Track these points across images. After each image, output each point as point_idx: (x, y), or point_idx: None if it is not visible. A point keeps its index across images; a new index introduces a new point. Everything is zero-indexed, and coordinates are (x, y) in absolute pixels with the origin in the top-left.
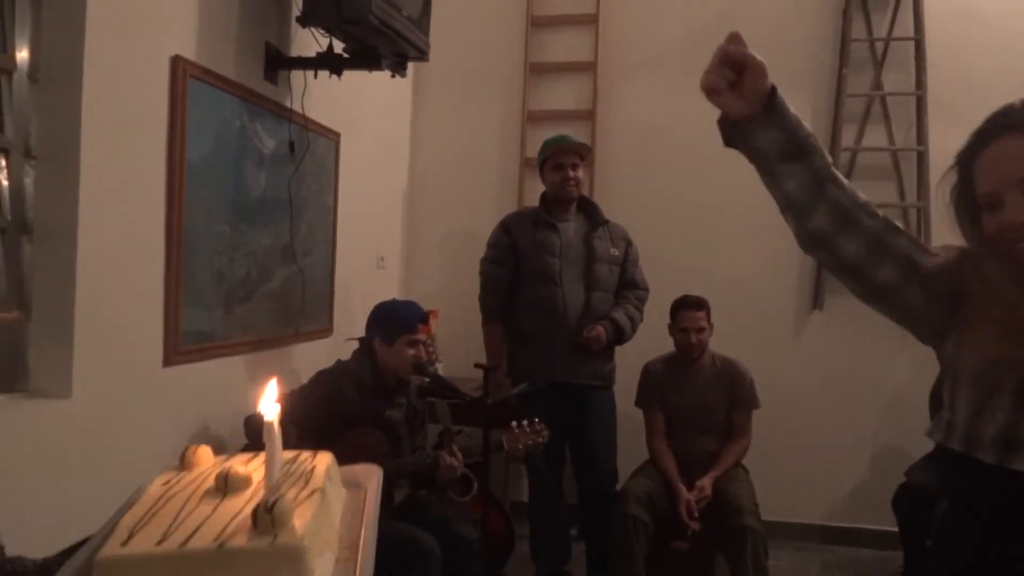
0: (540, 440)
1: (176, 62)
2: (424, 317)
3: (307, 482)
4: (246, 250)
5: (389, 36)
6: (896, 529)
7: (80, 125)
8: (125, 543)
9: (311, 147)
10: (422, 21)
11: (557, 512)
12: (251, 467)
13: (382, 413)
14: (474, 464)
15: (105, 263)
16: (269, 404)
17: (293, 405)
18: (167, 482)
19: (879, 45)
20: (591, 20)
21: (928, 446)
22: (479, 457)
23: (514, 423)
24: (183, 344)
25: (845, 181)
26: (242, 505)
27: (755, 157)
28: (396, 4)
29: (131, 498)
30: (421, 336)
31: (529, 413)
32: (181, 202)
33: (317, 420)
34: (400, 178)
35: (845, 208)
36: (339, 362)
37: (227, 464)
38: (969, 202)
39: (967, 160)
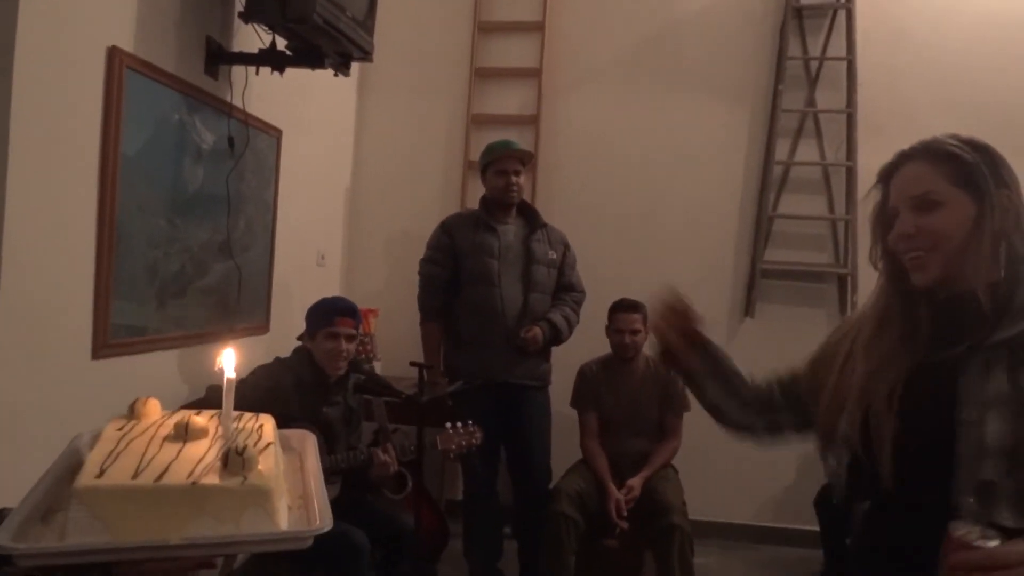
0: (473, 442)
1: (113, 53)
2: (348, 310)
3: (260, 436)
4: (181, 245)
5: (333, 36)
6: (818, 529)
7: (9, 112)
8: (99, 476)
9: (251, 143)
10: (367, 22)
11: (491, 510)
12: (204, 420)
13: (319, 410)
14: (409, 462)
15: (33, 254)
16: (228, 362)
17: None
18: (121, 428)
19: (813, 64)
20: (538, 28)
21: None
22: (414, 455)
23: (448, 424)
24: (113, 336)
25: (745, 376)
26: (204, 450)
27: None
28: (340, 4)
29: (71, 445)
30: (341, 329)
31: (465, 412)
32: (114, 195)
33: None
34: (343, 177)
35: (748, 401)
36: (277, 359)
37: (184, 415)
38: (884, 219)
39: (887, 180)
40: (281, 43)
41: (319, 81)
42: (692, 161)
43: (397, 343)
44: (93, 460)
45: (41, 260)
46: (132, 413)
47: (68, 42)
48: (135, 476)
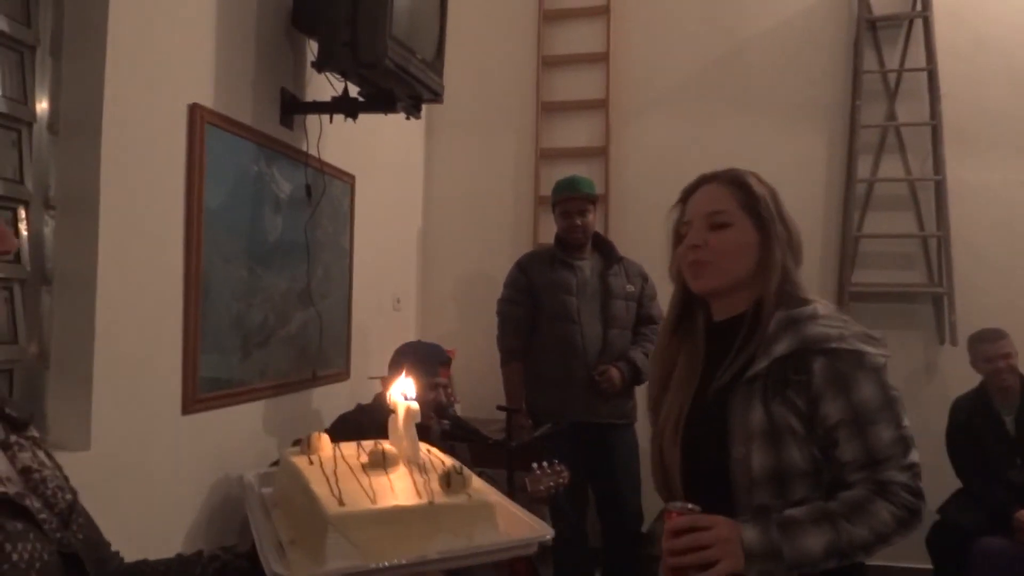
0: (561, 481)
1: (194, 110)
2: (445, 359)
3: (443, 462)
4: (264, 294)
5: (404, 79)
6: (931, 567)
7: (99, 174)
8: (342, 504)
9: (327, 190)
10: (436, 63)
11: (581, 553)
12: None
13: None
14: None
15: (124, 311)
16: (408, 389)
17: None
18: (312, 462)
19: (891, 76)
20: (602, 58)
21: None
22: None
23: (535, 464)
24: (201, 391)
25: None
26: (410, 475)
27: None
28: (410, 47)
29: (245, 483)
30: (442, 380)
31: (551, 453)
32: (200, 248)
33: None
34: (414, 218)
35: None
36: (359, 406)
37: (376, 445)
38: (680, 233)
39: (686, 198)
40: (353, 90)
41: (389, 125)
42: (771, 184)
43: (474, 385)
44: (323, 493)
45: (132, 318)
46: (308, 447)
47: (152, 102)
48: (374, 501)
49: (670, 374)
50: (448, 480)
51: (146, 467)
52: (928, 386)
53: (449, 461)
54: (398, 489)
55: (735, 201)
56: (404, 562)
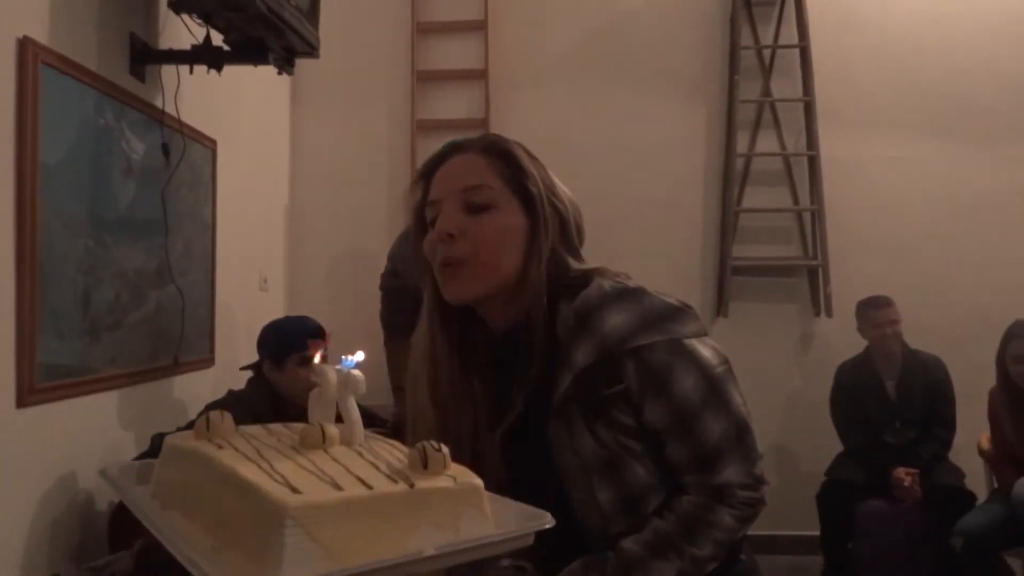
0: None
1: (25, 45)
2: (317, 331)
3: (388, 442)
4: (114, 269)
5: (276, 26)
6: (817, 533)
7: None
8: (296, 492)
9: (186, 154)
10: (311, 13)
11: None
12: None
13: None
14: None
15: None
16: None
17: None
18: (221, 447)
19: (766, 53)
20: (480, 26)
21: (836, 446)
22: None
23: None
24: (40, 380)
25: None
26: (358, 455)
27: None
28: None
29: (111, 477)
30: (313, 352)
31: None
32: (35, 211)
33: None
34: (281, 192)
35: None
36: (231, 392)
37: (304, 425)
38: (423, 220)
39: (430, 174)
40: (216, 38)
41: (252, 87)
42: (650, 158)
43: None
44: (262, 480)
45: None
46: (208, 430)
47: None
48: (335, 487)
49: (447, 413)
50: (425, 458)
51: None
52: (805, 356)
53: (397, 442)
54: (358, 471)
55: (497, 175)
56: (398, 562)
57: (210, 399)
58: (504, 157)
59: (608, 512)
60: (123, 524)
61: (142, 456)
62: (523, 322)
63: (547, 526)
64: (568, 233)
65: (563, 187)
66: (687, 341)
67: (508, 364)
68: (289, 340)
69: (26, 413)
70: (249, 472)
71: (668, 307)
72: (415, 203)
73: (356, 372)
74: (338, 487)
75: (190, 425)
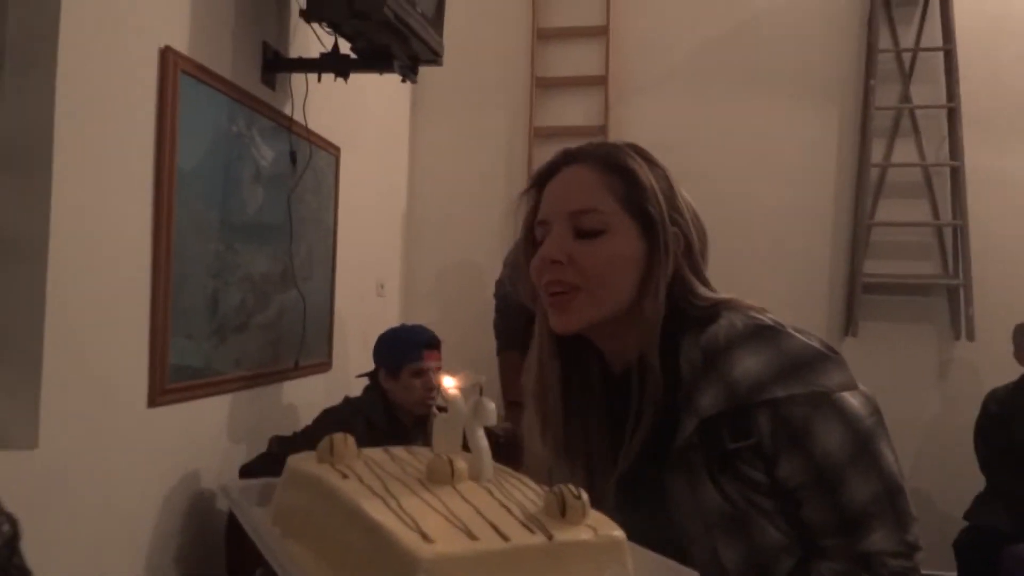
0: None
1: (166, 54)
2: (432, 341)
3: (520, 480)
4: (241, 273)
5: (403, 34)
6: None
7: (52, 120)
8: (428, 540)
9: (312, 161)
10: (436, 20)
11: None
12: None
13: None
14: None
15: (81, 286)
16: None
17: (297, 449)
18: (344, 475)
19: (906, 56)
20: (601, 32)
21: (977, 486)
22: None
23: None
24: (170, 381)
25: None
26: (488, 495)
27: None
28: None
29: (235, 500)
30: (430, 363)
31: None
32: (171, 216)
33: None
34: (399, 198)
35: None
36: (347, 399)
37: (428, 452)
38: (533, 235)
39: (542, 183)
40: (344, 46)
41: (374, 92)
42: (778, 167)
43: None
44: (392, 523)
45: (91, 296)
46: (331, 454)
47: (118, 40)
48: (471, 536)
49: (557, 452)
50: (563, 505)
51: (104, 468)
52: (943, 382)
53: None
54: (491, 515)
55: (612, 195)
56: None
57: (325, 403)
58: (620, 172)
59: (734, 572)
60: (241, 533)
61: (260, 458)
62: (638, 361)
63: None
64: (693, 255)
65: (687, 197)
66: (833, 394)
67: (625, 404)
68: (403, 350)
69: (156, 413)
70: (377, 511)
71: (810, 352)
72: (526, 212)
73: (487, 400)
74: (472, 536)
75: (306, 431)
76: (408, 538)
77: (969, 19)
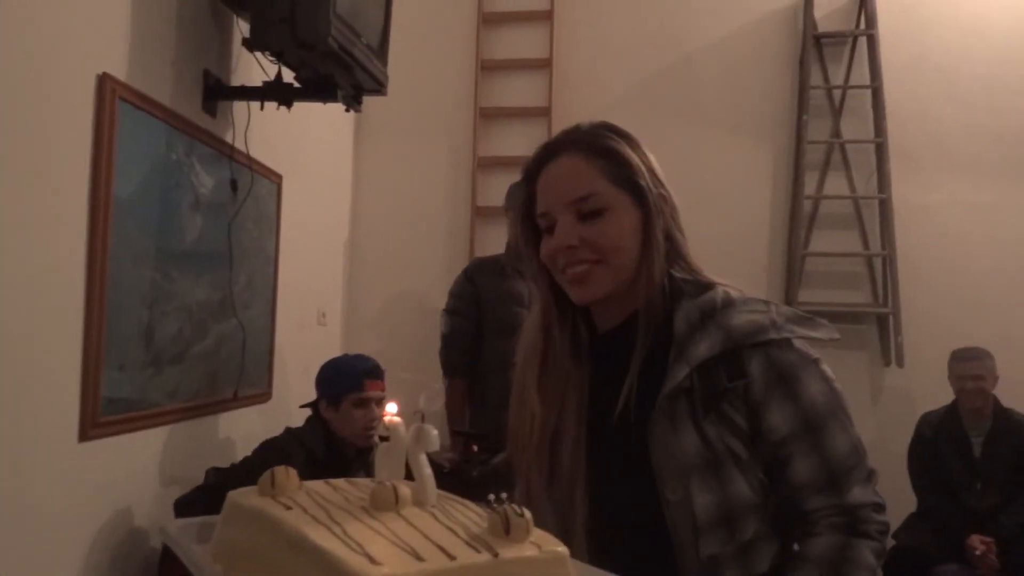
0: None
1: (104, 81)
2: (374, 371)
3: (463, 503)
4: (179, 302)
5: (347, 64)
6: None
7: None
8: (376, 563)
9: (253, 189)
10: (381, 51)
11: None
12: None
13: None
14: None
15: (10, 317)
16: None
17: (235, 480)
18: (287, 507)
19: (836, 93)
20: (544, 64)
21: (909, 508)
22: None
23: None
24: (103, 414)
25: None
26: (432, 518)
27: None
28: (355, 29)
29: (176, 539)
30: (371, 393)
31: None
32: (106, 244)
33: None
34: (342, 227)
35: None
36: (288, 430)
37: (374, 482)
38: (532, 226)
39: (533, 179)
40: (288, 75)
41: (317, 122)
42: (715, 199)
43: (404, 409)
44: (337, 549)
45: (20, 322)
46: (273, 487)
47: (53, 66)
48: (417, 557)
49: (554, 409)
50: (507, 524)
51: (30, 504)
52: (874, 407)
53: (470, 503)
54: (437, 537)
55: (603, 176)
56: None
57: (265, 434)
58: (606, 155)
59: (703, 522)
60: (175, 570)
61: (196, 490)
62: (633, 315)
63: None
64: (676, 214)
65: (654, 159)
66: (816, 354)
67: (616, 360)
68: (344, 380)
69: (87, 447)
70: (323, 538)
71: (798, 313)
72: (520, 204)
73: (429, 427)
74: (419, 557)
75: (245, 462)
76: (355, 562)
77: (895, 58)
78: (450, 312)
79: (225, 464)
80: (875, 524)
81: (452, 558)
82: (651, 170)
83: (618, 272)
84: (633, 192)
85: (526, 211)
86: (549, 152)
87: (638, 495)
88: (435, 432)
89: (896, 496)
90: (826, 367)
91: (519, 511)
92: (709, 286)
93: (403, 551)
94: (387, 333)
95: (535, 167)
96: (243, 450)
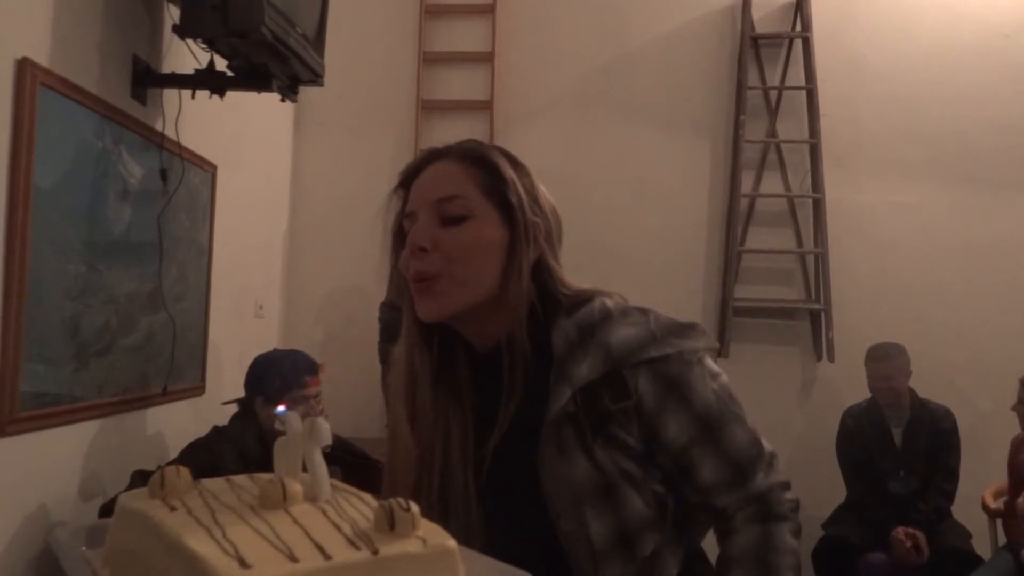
0: None
1: (23, 66)
2: (312, 367)
3: (359, 497)
4: (105, 295)
5: (281, 54)
6: None
7: None
8: (244, 565)
9: (185, 178)
10: (317, 42)
11: None
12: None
13: None
14: None
15: None
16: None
17: None
18: (172, 508)
19: (773, 94)
20: (487, 58)
21: (839, 499)
22: None
23: None
24: (22, 409)
25: None
26: (321, 514)
27: None
28: (290, 19)
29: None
30: (311, 391)
31: None
32: (26, 236)
33: None
34: (280, 218)
35: None
36: (216, 429)
37: (266, 478)
38: (402, 231)
39: (408, 182)
40: (220, 63)
41: (255, 112)
42: (654, 195)
43: (344, 403)
44: (208, 551)
45: None
46: (162, 487)
47: None
48: (292, 557)
49: (430, 442)
50: (391, 518)
51: None
52: (806, 401)
53: (368, 496)
54: (317, 535)
55: (475, 184)
56: None
57: (197, 427)
58: (483, 165)
59: (600, 549)
60: None
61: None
62: (506, 339)
63: None
64: (552, 243)
65: (546, 193)
66: (699, 355)
67: (495, 386)
68: (285, 378)
69: (5, 443)
70: (198, 543)
71: (677, 323)
72: (395, 214)
73: (322, 421)
74: (293, 558)
75: (173, 463)
76: (224, 565)
77: (829, 61)
78: (388, 305)
79: (152, 467)
80: (786, 503)
81: (328, 557)
82: (532, 195)
83: (468, 288)
84: (503, 208)
85: (398, 221)
86: (430, 157)
87: (532, 524)
88: (327, 426)
89: (827, 487)
90: (709, 361)
91: (405, 505)
92: (587, 299)
93: (279, 552)
94: (327, 325)
95: (413, 170)
96: (175, 445)
